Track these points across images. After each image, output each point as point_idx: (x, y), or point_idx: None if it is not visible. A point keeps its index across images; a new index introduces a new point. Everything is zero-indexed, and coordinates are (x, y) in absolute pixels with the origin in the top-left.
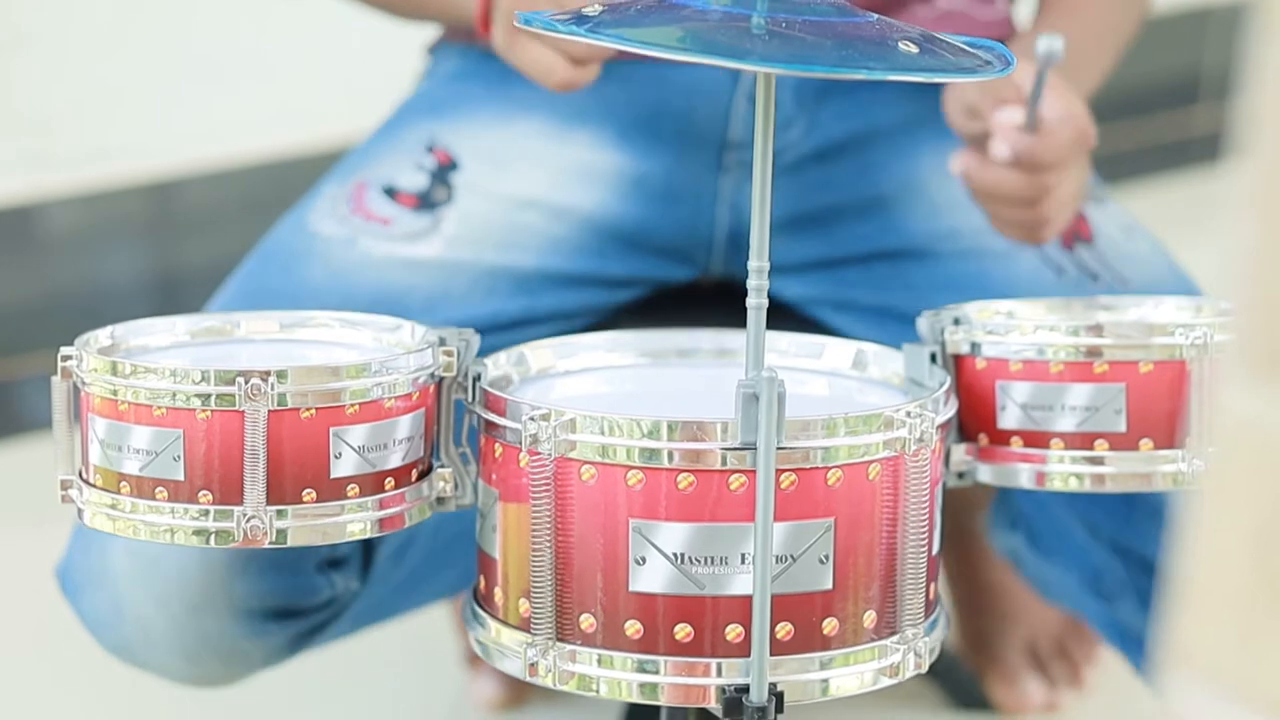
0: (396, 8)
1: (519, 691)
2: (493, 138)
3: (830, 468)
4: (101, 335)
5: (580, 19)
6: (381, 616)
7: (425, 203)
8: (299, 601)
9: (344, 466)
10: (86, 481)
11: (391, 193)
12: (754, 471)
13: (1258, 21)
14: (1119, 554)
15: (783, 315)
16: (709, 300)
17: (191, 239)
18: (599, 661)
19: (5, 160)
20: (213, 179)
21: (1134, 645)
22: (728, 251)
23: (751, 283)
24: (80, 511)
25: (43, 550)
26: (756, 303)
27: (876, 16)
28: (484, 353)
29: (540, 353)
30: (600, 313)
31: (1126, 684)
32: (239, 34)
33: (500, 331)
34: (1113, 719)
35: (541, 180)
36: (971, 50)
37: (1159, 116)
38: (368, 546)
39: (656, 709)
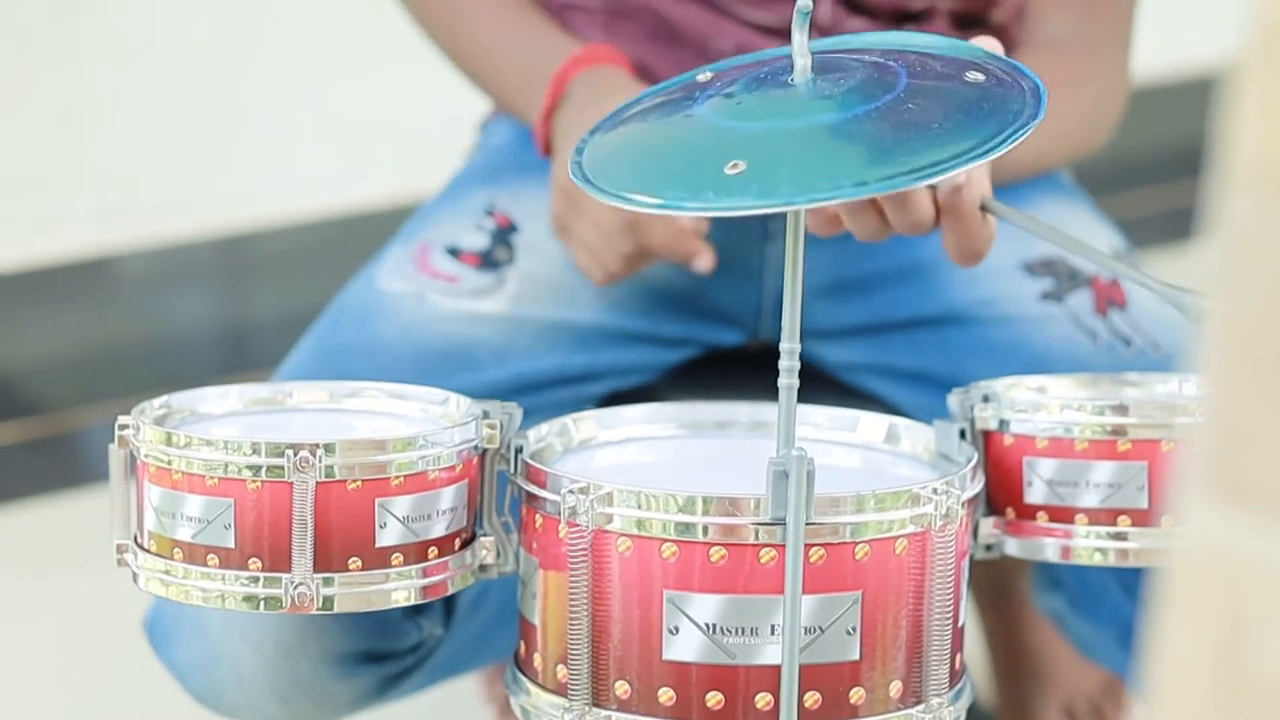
0: (475, 79)
1: None
2: (548, 204)
3: (858, 543)
4: (156, 404)
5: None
6: (459, 668)
7: (488, 261)
8: (388, 645)
9: (389, 536)
10: (141, 546)
11: (455, 252)
12: (784, 546)
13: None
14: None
15: (824, 380)
16: (757, 363)
17: (260, 291)
18: None
19: (81, 213)
20: (282, 232)
21: None
22: (775, 317)
23: (783, 364)
24: (135, 576)
25: (107, 597)
26: (788, 383)
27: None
28: (551, 405)
29: (584, 424)
30: (655, 370)
31: None
32: (309, 87)
33: (567, 385)
34: None
35: None
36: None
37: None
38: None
39: None
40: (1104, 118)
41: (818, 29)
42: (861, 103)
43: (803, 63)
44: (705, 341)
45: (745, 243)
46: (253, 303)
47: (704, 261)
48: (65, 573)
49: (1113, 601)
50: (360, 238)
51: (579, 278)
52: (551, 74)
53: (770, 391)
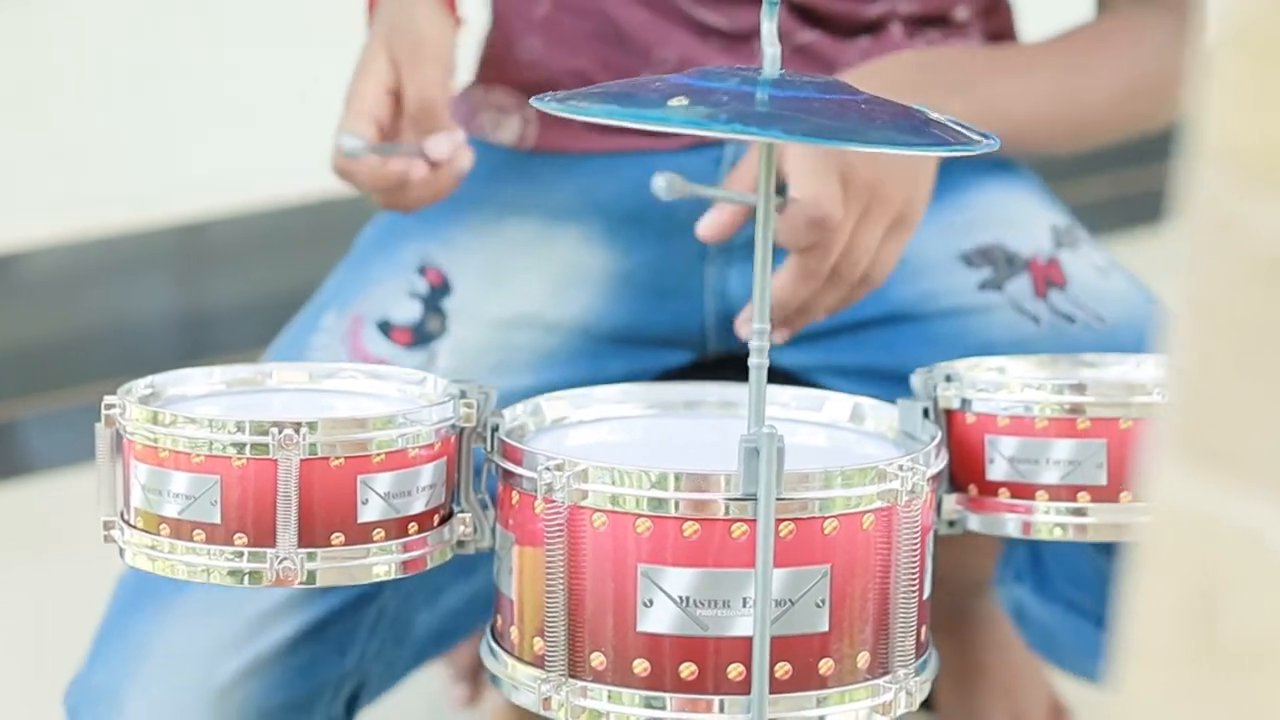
0: None
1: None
2: (483, 249)
3: (827, 517)
4: (142, 384)
5: (596, 96)
6: None
7: (419, 337)
8: None
9: (371, 512)
10: (127, 523)
11: (386, 328)
12: (755, 520)
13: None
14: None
15: (782, 380)
16: (713, 371)
17: (217, 280)
18: (609, 697)
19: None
20: (238, 220)
21: None
22: (719, 335)
23: (753, 343)
24: (121, 550)
25: (38, 584)
26: (758, 362)
27: (867, 95)
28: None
29: (555, 404)
30: None
31: None
32: (266, 78)
33: None
34: None
35: (532, 294)
36: (959, 127)
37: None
38: (350, 710)
39: None
40: (1168, 78)
41: (811, 55)
42: (818, 91)
43: (772, 51)
44: (652, 370)
45: (684, 265)
46: (209, 291)
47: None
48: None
49: (1064, 588)
50: (318, 225)
51: (512, 337)
52: None
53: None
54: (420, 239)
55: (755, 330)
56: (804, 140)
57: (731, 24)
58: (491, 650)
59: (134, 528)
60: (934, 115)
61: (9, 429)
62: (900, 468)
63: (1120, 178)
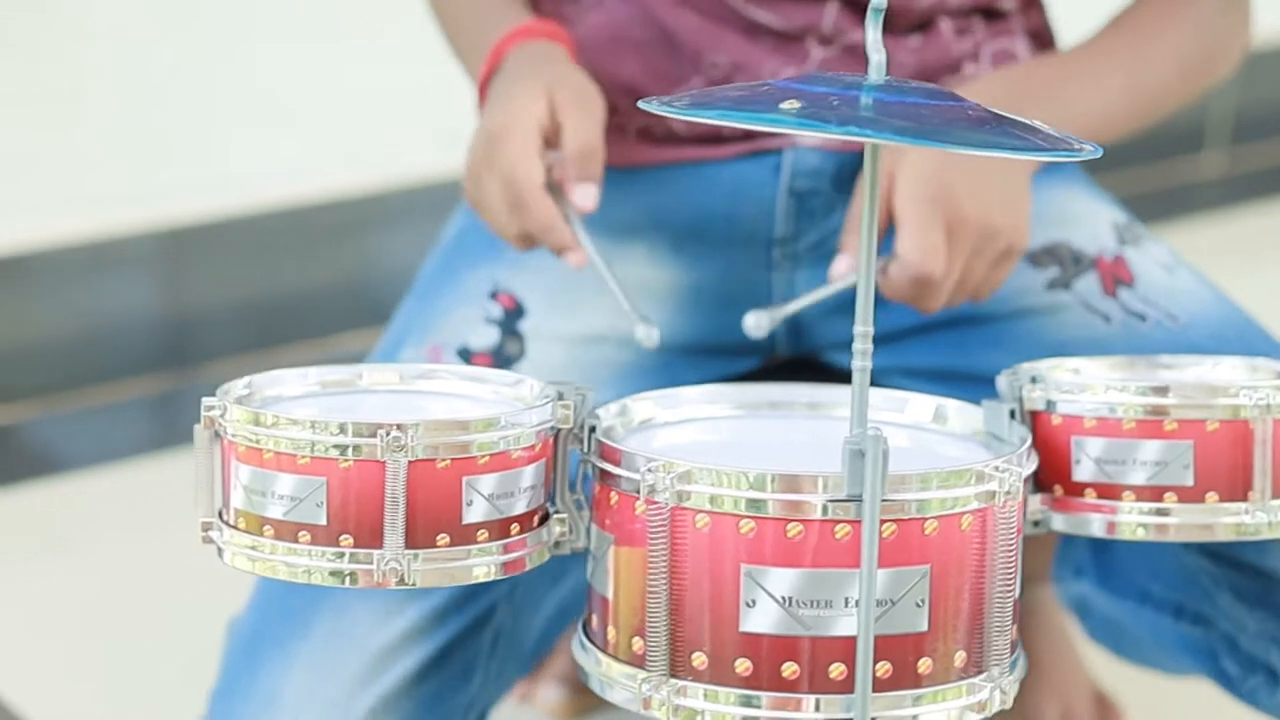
0: (452, 48)
1: (582, 700)
2: (551, 270)
3: (927, 518)
4: (240, 384)
5: (703, 99)
6: None
7: (500, 361)
8: None
9: (475, 513)
10: (227, 523)
11: (466, 355)
12: (858, 521)
13: None
14: (1209, 556)
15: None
16: (777, 372)
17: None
18: (704, 696)
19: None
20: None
21: (1232, 666)
22: (788, 340)
23: (856, 346)
24: (220, 551)
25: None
26: (861, 365)
27: (971, 102)
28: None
29: (642, 404)
30: None
31: None
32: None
33: None
34: None
35: (604, 311)
36: (1057, 134)
37: (1168, 162)
38: None
39: None
40: (1215, 51)
41: (819, 36)
42: (925, 97)
43: (878, 58)
44: (725, 378)
45: (750, 273)
46: (192, 296)
47: (574, 258)
48: None
49: (1161, 560)
50: (302, 231)
51: (589, 354)
52: (492, 44)
53: None
54: (487, 266)
55: (858, 334)
56: (914, 142)
57: (784, 23)
58: (584, 648)
59: (234, 528)
60: (1035, 123)
61: (18, 430)
62: (997, 469)
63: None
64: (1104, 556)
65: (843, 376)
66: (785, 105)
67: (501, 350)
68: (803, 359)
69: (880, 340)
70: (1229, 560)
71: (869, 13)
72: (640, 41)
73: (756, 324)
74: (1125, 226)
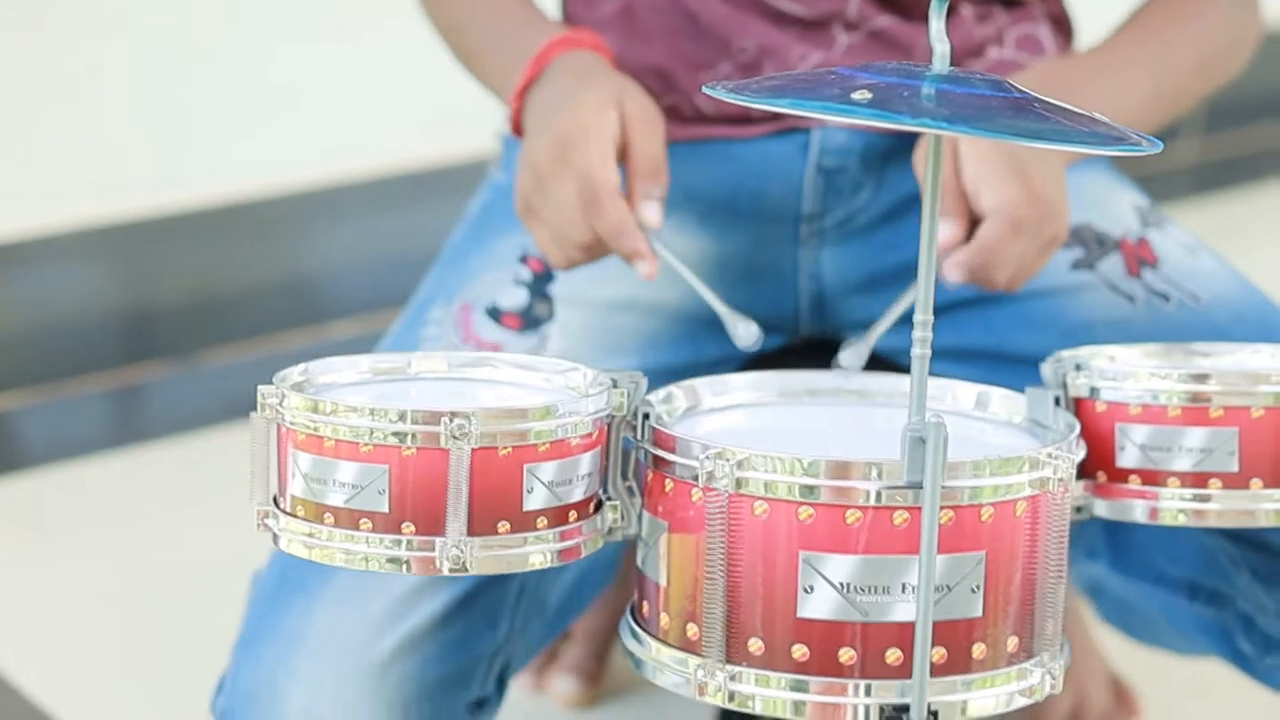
0: (465, 61)
1: (594, 689)
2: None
3: (984, 505)
4: (294, 372)
5: (770, 87)
6: None
7: (529, 321)
8: None
9: (535, 500)
10: (285, 511)
11: (496, 314)
12: (916, 508)
13: None
14: (1229, 537)
15: (879, 365)
16: (803, 357)
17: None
18: (756, 681)
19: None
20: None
21: (1248, 645)
22: (811, 316)
23: (916, 334)
24: (276, 538)
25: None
26: (920, 352)
27: (1034, 94)
28: None
29: (687, 390)
30: None
31: None
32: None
33: None
34: None
35: (632, 279)
36: (1121, 129)
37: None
38: (501, 686)
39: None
40: (1231, 46)
41: (844, 23)
42: (990, 89)
43: (942, 49)
44: (745, 354)
45: (777, 248)
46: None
47: (646, 266)
48: None
49: (1178, 542)
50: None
51: (617, 320)
52: (533, 52)
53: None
54: (516, 232)
55: (918, 322)
56: (988, 135)
57: (809, 10)
58: (634, 635)
59: (293, 516)
60: (1097, 115)
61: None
62: (1050, 456)
63: None
64: (1117, 539)
65: (874, 362)
66: (857, 95)
67: (530, 311)
68: (826, 341)
69: (903, 321)
70: (1248, 540)
71: (933, 3)
72: (664, 27)
73: (851, 359)
74: (1147, 210)
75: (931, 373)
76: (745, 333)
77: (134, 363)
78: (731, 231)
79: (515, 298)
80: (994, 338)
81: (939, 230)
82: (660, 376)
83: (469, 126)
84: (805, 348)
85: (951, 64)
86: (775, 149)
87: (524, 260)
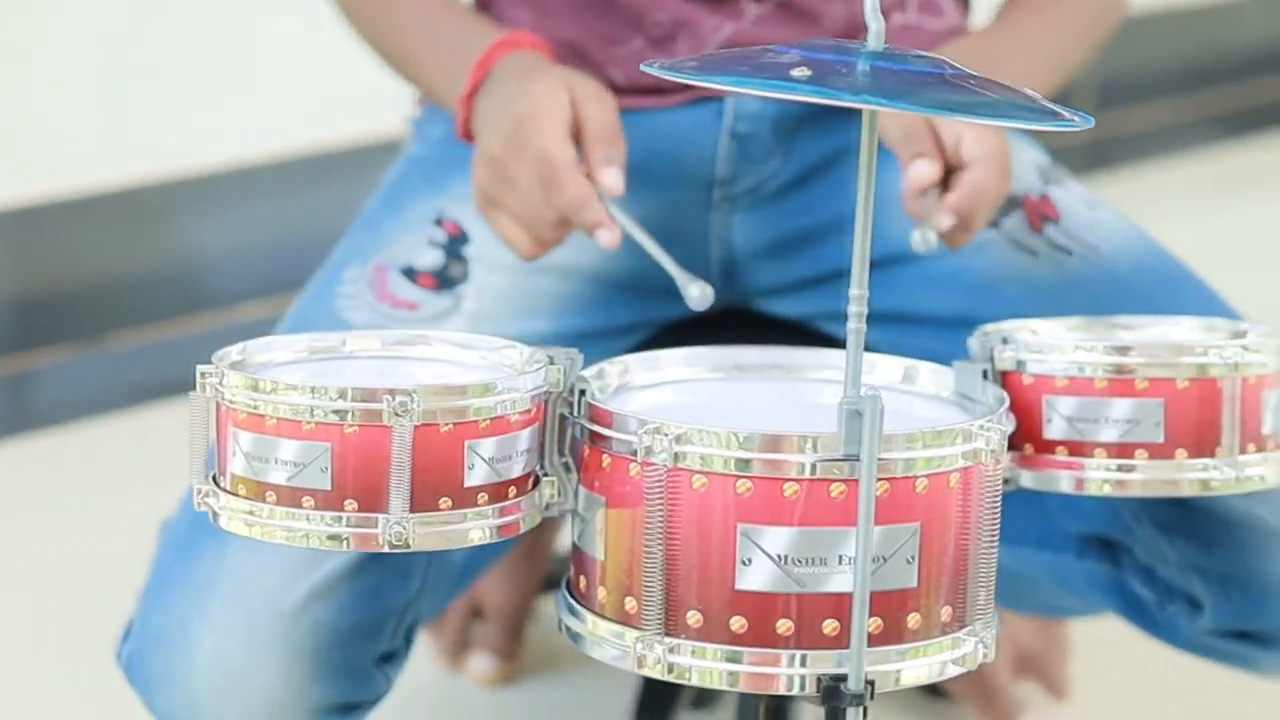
0: (398, 67)
1: (512, 668)
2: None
3: (917, 477)
4: (233, 351)
5: (709, 64)
6: None
7: (444, 281)
8: (362, 697)
9: (476, 476)
10: (225, 490)
11: (411, 274)
12: (852, 480)
13: None
14: None
15: (788, 330)
16: (712, 327)
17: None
18: (692, 653)
19: None
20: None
21: (1148, 593)
22: (722, 281)
23: (852, 309)
24: (216, 516)
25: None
26: (856, 327)
27: (966, 70)
28: None
29: (617, 367)
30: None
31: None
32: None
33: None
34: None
35: None
36: (1044, 103)
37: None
38: (408, 642)
39: (673, 686)
40: (1107, 6)
41: (796, 10)
42: (928, 66)
43: (877, 27)
44: (658, 319)
45: (690, 214)
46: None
47: (608, 235)
48: None
49: (1041, 525)
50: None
51: (532, 283)
52: (475, 57)
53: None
54: (431, 197)
55: (853, 296)
56: (932, 112)
57: None
58: (571, 610)
59: (233, 494)
60: (1029, 92)
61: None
62: (982, 428)
63: None
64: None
65: (776, 324)
66: (796, 73)
67: (445, 271)
68: (738, 310)
69: (809, 283)
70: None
71: None
72: (576, 3)
73: (701, 295)
74: (1048, 167)
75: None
76: (699, 294)
77: (30, 348)
78: (646, 197)
79: (430, 258)
80: (898, 299)
81: (923, 169)
82: (572, 340)
83: (368, 111)
84: (720, 315)
85: (859, 30)
86: (689, 116)
87: (439, 223)
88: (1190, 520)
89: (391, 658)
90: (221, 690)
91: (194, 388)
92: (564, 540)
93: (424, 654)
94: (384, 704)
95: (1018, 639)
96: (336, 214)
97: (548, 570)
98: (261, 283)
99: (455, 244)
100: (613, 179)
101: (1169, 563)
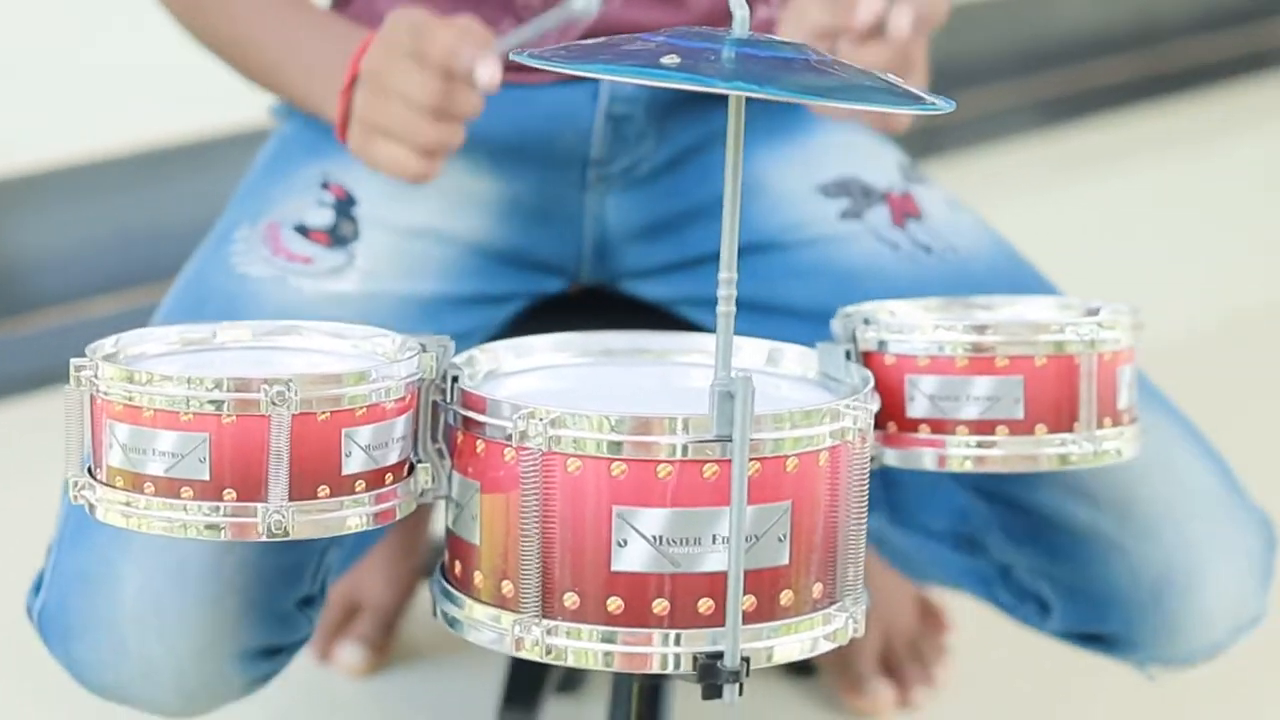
0: (254, 75)
1: (381, 659)
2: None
3: (787, 456)
4: (107, 343)
5: (580, 53)
6: None
7: (337, 238)
8: (286, 639)
9: (353, 464)
10: (101, 482)
11: (304, 231)
12: (725, 460)
13: None
14: (982, 495)
15: (652, 314)
16: (579, 306)
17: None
18: (567, 634)
19: None
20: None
21: (1005, 595)
22: (593, 261)
23: (721, 292)
24: (92, 508)
25: None
26: (725, 310)
27: (829, 57)
28: None
29: (487, 354)
30: (492, 329)
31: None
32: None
33: None
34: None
35: (430, 209)
36: (904, 86)
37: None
38: (324, 588)
39: (540, 673)
40: None
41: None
42: (792, 52)
43: (741, 14)
44: (530, 293)
45: (564, 192)
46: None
47: (486, 72)
48: None
49: (940, 498)
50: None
51: (417, 246)
52: (345, 57)
53: (599, 327)
54: (316, 161)
55: (722, 280)
56: (800, 98)
57: None
58: (447, 594)
59: (110, 486)
60: (889, 76)
61: None
62: (849, 407)
63: None
64: (892, 494)
65: (641, 307)
66: (666, 60)
67: (337, 229)
68: (602, 289)
69: (675, 267)
70: (1002, 499)
71: None
72: None
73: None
74: (909, 167)
75: (707, 328)
76: (584, 5)
77: None
78: (521, 174)
79: (322, 217)
80: (762, 287)
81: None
82: (454, 306)
83: (207, 107)
84: (584, 295)
85: (722, 18)
86: (566, 96)
87: (325, 186)
88: (1037, 530)
89: (310, 602)
90: (151, 628)
91: (39, 386)
92: (438, 531)
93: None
94: (252, 697)
95: (894, 620)
96: (180, 209)
97: (424, 562)
98: (105, 280)
99: (344, 205)
100: (487, 71)
101: (1020, 567)
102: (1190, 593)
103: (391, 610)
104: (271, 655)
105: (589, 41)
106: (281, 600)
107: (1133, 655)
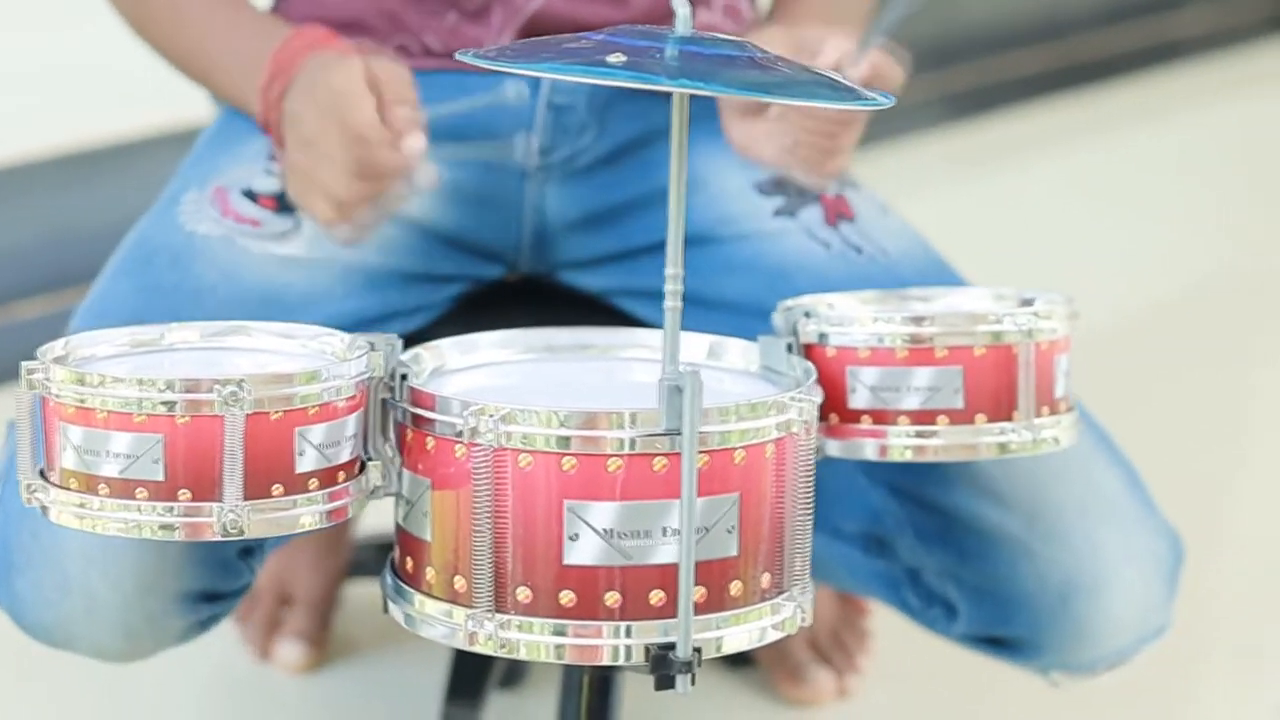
0: (186, 68)
1: (319, 654)
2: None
3: (736, 449)
4: (56, 346)
5: (527, 52)
6: None
7: (284, 205)
8: (226, 585)
9: (307, 463)
10: (55, 484)
11: (252, 196)
12: (675, 454)
13: None
14: (895, 495)
15: (587, 306)
16: (517, 295)
17: None
18: (521, 628)
19: None
20: None
21: (913, 598)
22: (532, 250)
23: (668, 287)
24: (45, 510)
25: None
26: (673, 305)
27: (774, 54)
28: None
29: (432, 351)
30: (435, 308)
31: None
32: None
33: (366, 326)
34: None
35: None
36: (846, 83)
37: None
38: (260, 559)
39: (483, 667)
40: None
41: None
42: (735, 49)
43: (684, 12)
44: (471, 277)
45: (505, 182)
46: None
47: (412, 141)
48: None
49: (853, 500)
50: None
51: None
52: (273, 55)
53: (536, 317)
54: (261, 137)
55: (669, 275)
56: (744, 94)
57: None
58: (399, 591)
59: (64, 489)
60: (831, 74)
61: None
62: (794, 399)
63: None
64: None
65: (577, 299)
66: (612, 59)
67: (284, 196)
68: (539, 280)
69: (612, 259)
70: (914, 499)
71: None
72: None
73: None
74: (843, 171)
75: (641, 319)
76: None
77: None
78: (462, 162)
79: (269, 184)
80: (696, 280)
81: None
82: (397, 281)
83: (143, 106)
84: (522, 285)
85: (661, 20)
86: (509, 84)
87: (273, 159)
88: (948, 531)
89: (251, 552)
90: (95, 560)
91: None
92: (364, 526)
93: (233, 645)
94: (196, 698)
95: (819, 615)
96: (107, 211)
97: (352, 557)
98: (33, 282)
99: None
100: (413, 142)
101: (930, 570)
102: (1097, 597)
103: (324, 602)
104: (212, 600)
105: (531, 40)
106: (224, 545)
107: (1038, 660)
